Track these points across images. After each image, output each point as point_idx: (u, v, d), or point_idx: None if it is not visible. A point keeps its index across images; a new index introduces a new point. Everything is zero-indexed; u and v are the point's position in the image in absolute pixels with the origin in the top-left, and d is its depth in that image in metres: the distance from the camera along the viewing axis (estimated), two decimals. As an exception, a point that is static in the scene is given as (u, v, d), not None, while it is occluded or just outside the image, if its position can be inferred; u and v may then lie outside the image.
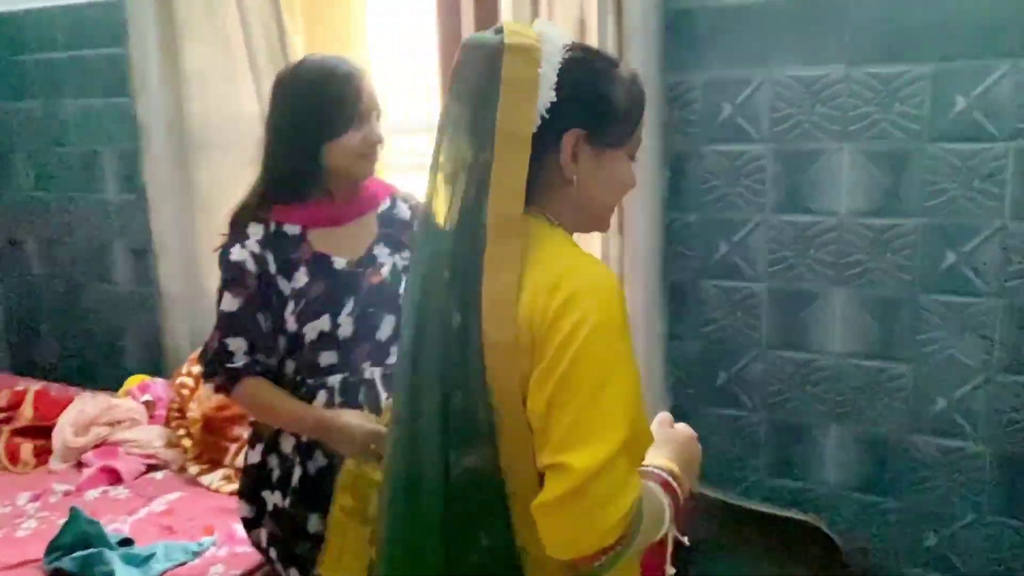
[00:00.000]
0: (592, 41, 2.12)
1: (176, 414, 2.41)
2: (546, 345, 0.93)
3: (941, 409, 1.96)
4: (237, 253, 1.52)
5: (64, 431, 2.45)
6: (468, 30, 2.38)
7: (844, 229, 1.99)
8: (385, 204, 1.66)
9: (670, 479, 1.02)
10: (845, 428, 2.06)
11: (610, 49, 2.05)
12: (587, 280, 0.96)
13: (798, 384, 2.10)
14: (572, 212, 1.05)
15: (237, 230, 1.55)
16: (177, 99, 2.71)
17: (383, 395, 1.56)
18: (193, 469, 2.30)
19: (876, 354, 2.00)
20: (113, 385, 2.86)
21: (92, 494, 2.24)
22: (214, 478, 2.26)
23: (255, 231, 1.53)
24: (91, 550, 1.84)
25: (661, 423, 1.14)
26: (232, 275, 1.52)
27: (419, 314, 1.03)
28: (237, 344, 1.52)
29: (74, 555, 1.83)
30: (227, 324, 1.52)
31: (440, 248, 0.99)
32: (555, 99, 0.98)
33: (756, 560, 2.04)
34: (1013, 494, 1.93)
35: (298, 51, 2.52)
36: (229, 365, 1.52)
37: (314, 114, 1.50)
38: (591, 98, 1.01)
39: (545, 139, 0.99)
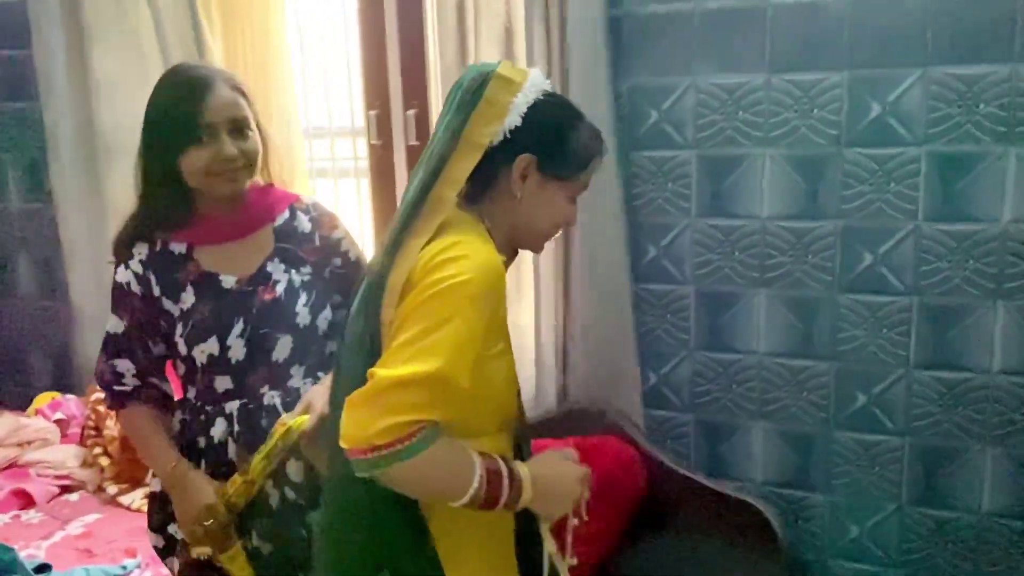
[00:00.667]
0: (519, 47, 2.13)
1: (92, 432, 2.31)
2: (418, 286, 1.09)
3: (861, 405, 2.04)
4: (121, 274, 1.46)
5: (-32, 454, 2.32)
6: (392, 31, 2.36)
7: (766, 232, 2.05)
8: (283, 216, 1.53)
9: (502, 467, 1.11)
10: (770, 425, 2.12)
11: (538, 56, 2.06)
12: (474, 253, 1.11)
13: (725, 384, 2.15)
14: (510, 227, 1.22)
15: (122, 250, 1.47)
16: (86, 103, 2.60)
17: None
18: (112, 489, 2.21)
19: (799, 353, 2.07)
20: (20, 404, 2.72)
21: (2, 519, 2.12)
22: (135, 498, 2.17)
23: (140, 251, 1.46)
24: (4, 579, 1.74)
25: (563, 455, 1.24)
26: (117, 297, 1.46)
27: (368, 270, 1.22)
28: (126, 366, 1.48)
29: (-14, 585, 1.73)
30: (113, 346, 1.48)
31: (396, 216, 1.18)
32: (519, 124, 1.17)
33: (700, 534, 2.09)
34: (930, 484, 2.02)
35: (215, 54, 2.45)
36: (117, 388, 1.48)
37: (155, 130, 1.41)
38: (549, 132, 1.19)
39: (504, 155, 1.17)
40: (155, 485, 1.53)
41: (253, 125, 1.44)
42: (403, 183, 2.47)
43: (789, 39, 1.95)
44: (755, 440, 2.15)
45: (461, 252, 1.10)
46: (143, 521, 2.02)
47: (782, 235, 2.03)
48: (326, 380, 1.40)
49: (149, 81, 2.48)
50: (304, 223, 1.53)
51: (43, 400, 2.60)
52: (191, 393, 1.48)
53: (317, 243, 1.52)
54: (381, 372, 1.04)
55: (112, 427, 2.26)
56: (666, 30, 2.04)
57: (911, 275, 1.95)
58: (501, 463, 1.11)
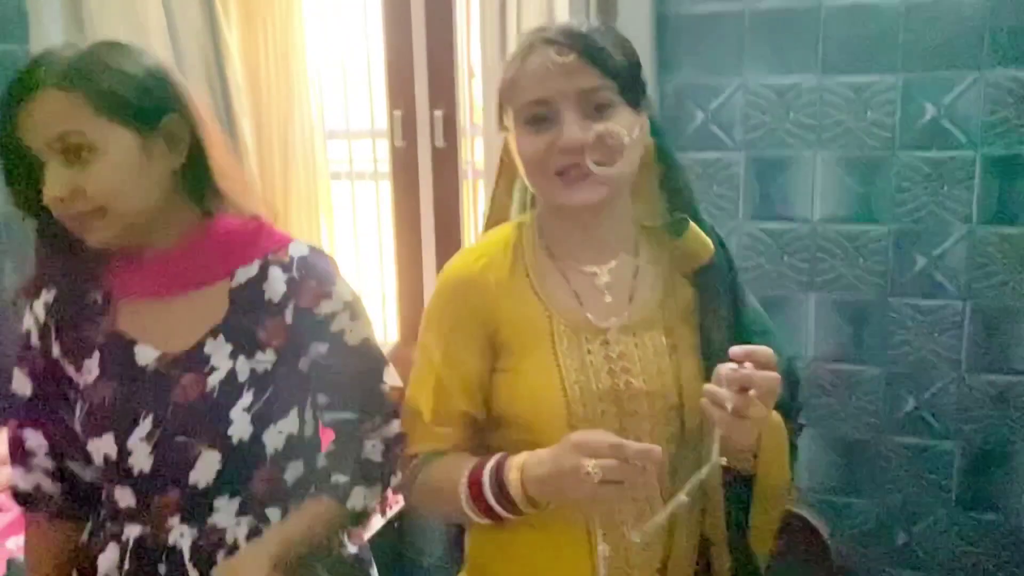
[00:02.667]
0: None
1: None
2: None
3: (911, 409, 2.02)
4: (26, 319, 1.11)
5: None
6: (419, 28, 2.29)
7: (817, 235, 2.02)
8: (247, 272, 1.09)
9: (486, 473, 1.05)
10: (817, 431, 2.10)
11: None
12: (445, 269, 1.15)
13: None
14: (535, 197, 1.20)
15: (28, 287, 1.11)
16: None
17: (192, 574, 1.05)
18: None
19: (849, 357, 2.05)
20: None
21: (15, 540, 1.97)
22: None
23: (48, 293, 1.10)
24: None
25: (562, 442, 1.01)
26: (20, 348, 1.12)
27: None
28: (37, 441, 1.13)
29: (16, 616, 1.60)
30: (23, 412, 1.13)
31: None
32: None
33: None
34: (981, 488, 2.01)
35: (231, 48, 2.34)
36: (23, 474, 1.14)
37: None
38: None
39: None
40: None
41: (103, 144, 0.97)
42: (428, 186, 2.39)
43: (842, 40, 1.93)
44: (801, 445, 2.12)
45: (443, 273, 1.15)
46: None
47: (833, 238, 2.01)
48: (271, 531, 1.07)
49: None
50: (277, 285, 1.08)
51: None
52: (104, 496, 1.12)
53: (290, 319, 1.08)
54: None
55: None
56: (715, 29, 2.01)
57: (964, 278, 1.94)
58: (487, 469, 1.04)
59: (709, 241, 1.13)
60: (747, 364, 0.95)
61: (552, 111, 1.04)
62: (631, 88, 1.05)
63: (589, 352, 1.09)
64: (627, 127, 1.04)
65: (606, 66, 1.03)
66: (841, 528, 2.11)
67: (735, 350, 0.96)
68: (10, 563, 1.71)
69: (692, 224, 1.12)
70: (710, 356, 1.09)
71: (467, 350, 1.11)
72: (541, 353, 1.09)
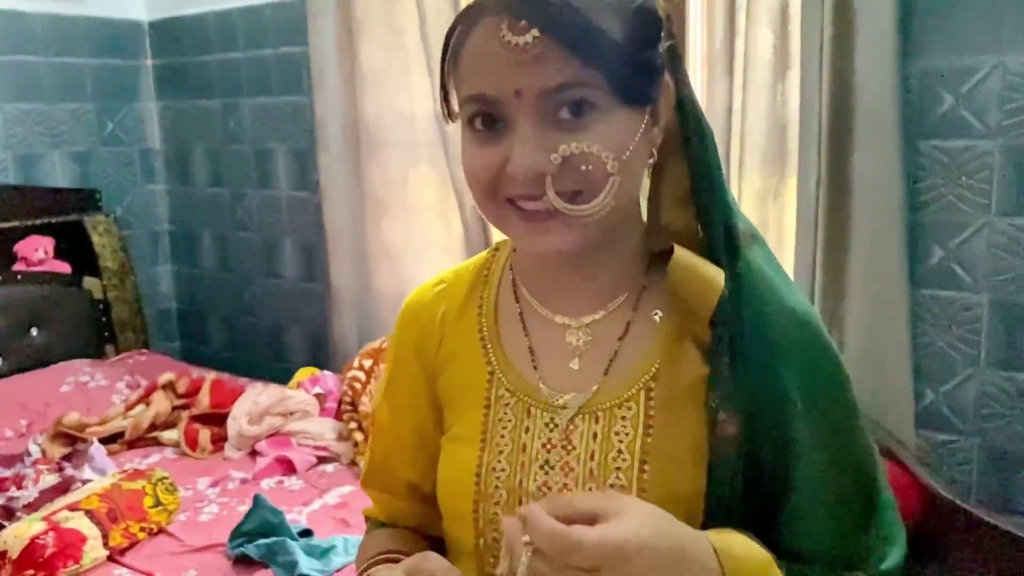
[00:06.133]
0: (794, 26, 1.97)
1: (348, 407, 2.42)
2: None
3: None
4: None
5: (239, 420, 2.50)
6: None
7: (1087, 235, 1.77)
8: None
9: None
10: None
11: (815, 36, 1.89)
12: None
13: (1022, 407, 1.89)
14: None
15: None
16: (353, 97, 2.74)
17: None
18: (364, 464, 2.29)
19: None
20: (276, 378, 2.91)
21: (268, 483, 2.26)
22: (385, 474, 2.24)
23: None
24: (274, 539, 1.84)
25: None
26: None
27: None
28: None
29: (258, 543, 1.84)
30: None
31: None
32: None
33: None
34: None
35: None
36: None
37: None
38: None
39: None
40: None
41: None
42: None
43: None
44: (1057, 474, 1.88)
45: None
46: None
47: (1107, 239, 1.75)
48: None
49: (410, 74, 2.65)
50: None
51: (304, 374, 2.77)
52: None
53: None
54: None
55: (367, 403, 2.35)
56: (967, 3, 1.82)
57: None
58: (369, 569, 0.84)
59: (718, 278, 0.75)
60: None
61: (502, 113, 0.72)
62: (632, 77, 0.71)
63: (527, 432, 0.80)
64: (617, 140, 0.71)
65: (589, 50, 0.68)
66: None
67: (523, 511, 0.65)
68: (256, 497, 1.96)
69: (685, 256, 0.76)
70: (718, 476, 0.74)
71: (412, 396, 0.89)
72: (468, 421, 0.83)
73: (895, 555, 0.79)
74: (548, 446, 0.79)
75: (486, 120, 0.73)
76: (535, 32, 0.67)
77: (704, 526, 0.73)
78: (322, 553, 1.84)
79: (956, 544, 1.91)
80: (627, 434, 0.77)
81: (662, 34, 0.73)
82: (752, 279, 0.76)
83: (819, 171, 1.94)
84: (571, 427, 0.79)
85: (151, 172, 3.51)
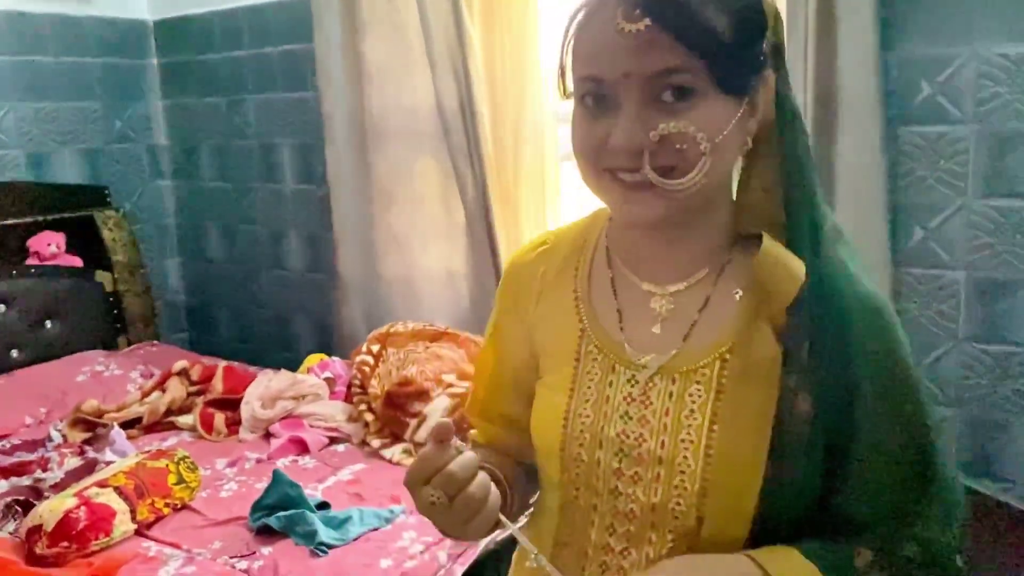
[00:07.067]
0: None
1: (358, 390, 2.52)
2: None
3: None
4: None
5: (252, 404, 2.60)
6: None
7: (1057, 213, 1.88)
8: None
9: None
10: (1051, 425, 1.96)
11: (799, 24, 1.99)
12: None
13: (998, 378, 2.00)
14: None
15: None
16: (358, 92, 2.83)
17: None
18: (375, 442, 2.39)
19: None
20: (284, 366, 2.99)
21: (283, 462, 2.36)
22: (395, 451, 2.34)
23: None
24: (293, 511, 1.94)
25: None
26: None
27: None
28: None
29: (279, 515, 1.94)
30: None
31: None
32: None
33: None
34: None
35: (475, 44, 2.59)
36: None
37: None
38: None
39: None
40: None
41: None
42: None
43: (1093, 2, 1.78)
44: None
45: None
46: (403, 474, 2.20)
47: (1075, 217, 1.86)
48: None
49: (413, 69, 2.74)
50: None
51: (313, 360, 2.87)
52: None
53: None
54: None
55: (376, 386, 2.45)
56: (944, -2, 1.93)
57: None
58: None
59: (800, 272, 0.82)
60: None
61: (611, 92, 0.80)
62: (733, 68, 0.78)
63: (611, 385, 0.89)
64: (712, 124, 0.78)
65: (695, 39, 0.76)
66: None
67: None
68: (275, 472, 2.06)
69: (772, 245, 0.84)
70: (782, 450, 0.82)
71: (513, 343, 1.00)
72: (561, 372, 0.93)
73: (951, 530, 0.84)
74: (628, 399, 0.88)
75: (597, 98, 0.81)
76: (647, 21, 0.76)
77: (760, 497, 0.82)
78: (339, 524, 1.94)
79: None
80: (700, 397, 0.85)
81: (767, 32, 0.80)
82: (832, 274, 0.83)
83: (805, 157, 2.04)
84: (650, 385, 0.87)
85: (159, 168, 3.61)
